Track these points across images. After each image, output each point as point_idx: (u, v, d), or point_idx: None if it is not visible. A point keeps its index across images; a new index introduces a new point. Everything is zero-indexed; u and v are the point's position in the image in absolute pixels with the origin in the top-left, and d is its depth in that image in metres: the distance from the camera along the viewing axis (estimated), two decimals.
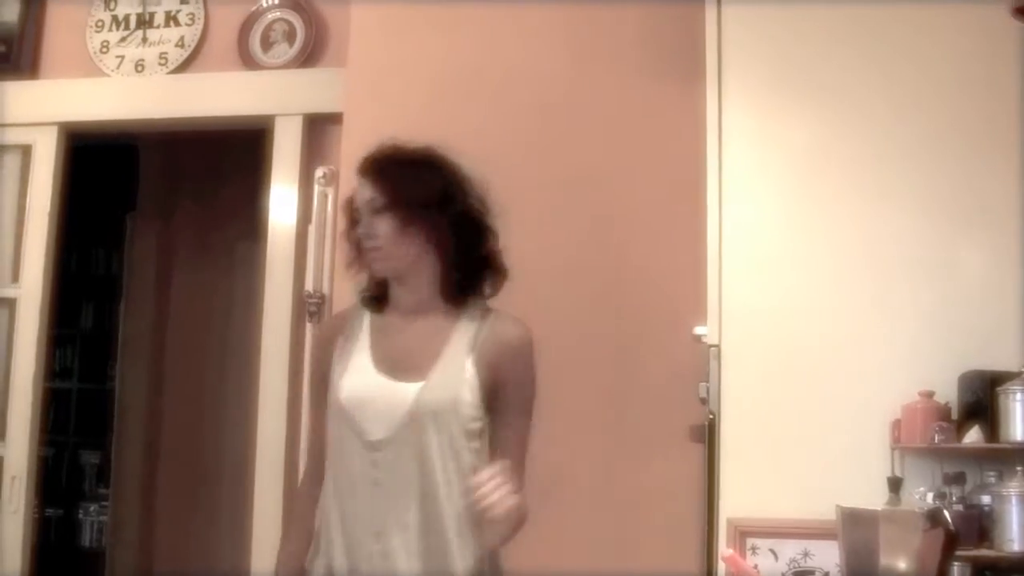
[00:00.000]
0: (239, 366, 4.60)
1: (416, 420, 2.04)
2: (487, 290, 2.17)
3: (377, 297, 2.20)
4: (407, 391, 2.05)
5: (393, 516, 2.03)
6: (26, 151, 4.08)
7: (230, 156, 4.65)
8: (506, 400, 2.11)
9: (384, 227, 2.08)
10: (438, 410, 2.05)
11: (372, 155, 2.19)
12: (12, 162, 4.12)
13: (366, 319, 2.19)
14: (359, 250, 2.14)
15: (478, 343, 2.10)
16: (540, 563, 2.69)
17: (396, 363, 2.09)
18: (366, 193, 2.12)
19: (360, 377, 2.09)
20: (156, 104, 3.95)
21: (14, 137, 4.07)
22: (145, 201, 5.29)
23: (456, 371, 2.08)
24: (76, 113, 4.05)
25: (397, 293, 2.16)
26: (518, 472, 2.07)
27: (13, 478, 3.92)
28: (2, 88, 4.08)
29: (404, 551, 2.02)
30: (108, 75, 4.05)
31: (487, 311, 2.16)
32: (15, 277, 4.03)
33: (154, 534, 5.16)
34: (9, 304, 4.01)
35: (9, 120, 4.06)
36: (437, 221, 2.09)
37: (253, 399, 3.72)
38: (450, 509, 2.03)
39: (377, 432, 2.05)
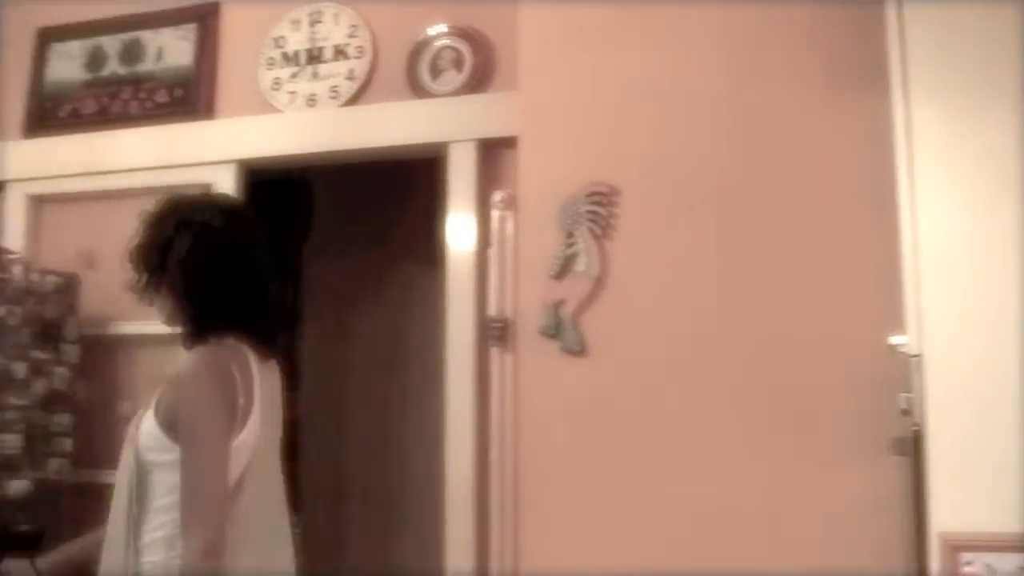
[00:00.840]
0: (420, 392, 4.77)
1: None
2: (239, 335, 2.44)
3: None
4: None
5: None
6: (207, 190, 4.30)
7: (402, 185, 4.83)
8: (180, 428, 2.31)
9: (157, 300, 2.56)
10: (127, 439, 2.43)
11: None
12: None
13: None
14: None
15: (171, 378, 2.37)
16: None
17: None
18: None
19: None
20: (330, 137, 4.12)
21: (195, 176, 4.28)
22: (320, 232, 5.50)
23: (145, 411, 2.40)
24: (252, 150, 4.24)
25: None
26: (188, 507, 2.26)
27: None
28: (181, 130, 4.31)
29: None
30: (281, 111, 4.24)
31: (200, 347, 2.43)
32: None
33: (345, 557, 5.37)
34: None
35: (189, 160, 4.29)
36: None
37: (437, 426, 3.83)
38: (124, 537, 2.35)
39: None
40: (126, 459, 2.42)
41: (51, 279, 4.06)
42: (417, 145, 3.98)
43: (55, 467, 4.03)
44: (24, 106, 4.60)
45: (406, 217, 5.22)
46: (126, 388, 4.33)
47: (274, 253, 4.41)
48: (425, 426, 4.87)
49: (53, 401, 4.02)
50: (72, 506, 4.08)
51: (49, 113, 4.54)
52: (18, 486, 3.86)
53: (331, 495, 5.52)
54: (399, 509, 5.25)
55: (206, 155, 4.27)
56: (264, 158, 4.24)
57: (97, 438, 4.22)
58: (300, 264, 5.55)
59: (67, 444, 4.08)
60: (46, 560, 2.74)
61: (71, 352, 4.11)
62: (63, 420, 4.06)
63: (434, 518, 3.83)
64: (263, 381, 2.43)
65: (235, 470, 2.34)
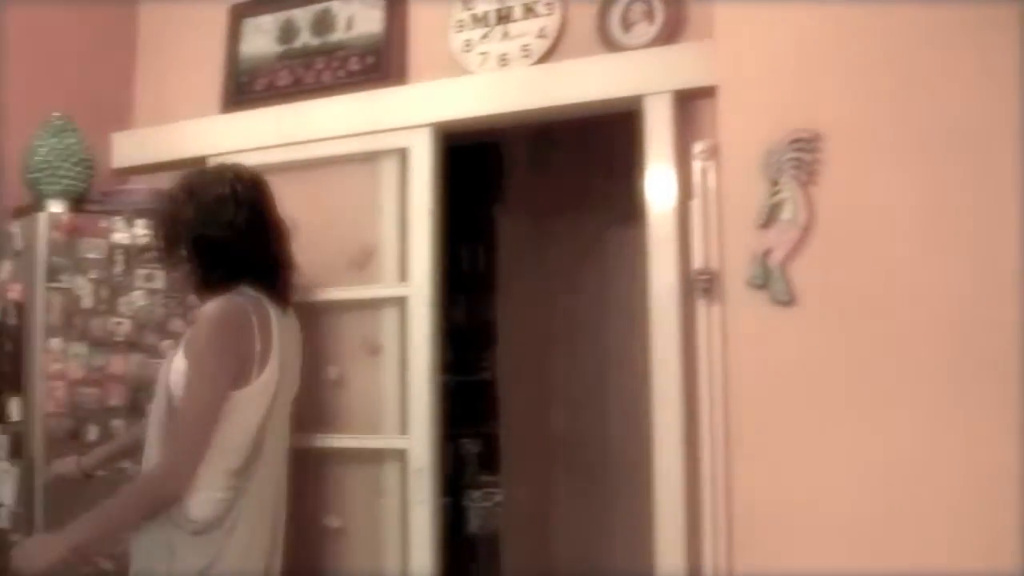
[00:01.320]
0: (623, 352, 4.78)
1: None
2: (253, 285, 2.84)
3: None
4: None
5: None
6: (402, 154, 4.39)
7: (595, 142, 4.83)
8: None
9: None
10: (159, 376, 2.80)
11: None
12: (390, 166, 4.45)
13: None
14: None
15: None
16: None
17: None
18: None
19: None
20: (523, 96, 4.14)
21: (390, 142, 4.39)
22: (512, 194, 5.56)
23: (174, 353, 2.78)
24: (446, 113, 4.30)
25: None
26: (173, 431, 2.62)
27: (418, 470, 4.24)
28: (374, 97, 4.41)
29: None
30: (473, 73, 4.29)
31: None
32: (403, 276, 4.36)
33: (548, 518, 5.45)
34: (400, 303, 4.35)
35: (384, 126, 4.39)
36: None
37: (642, 385, 3.83)
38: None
39: None
40: (158, 397, 2.73)
41: None
42: (611, 100, 3.96)
43: None
44: (220, 82, 4.77)
45: (600, 175, 5.22)
46: (334, 352, 4.48)
47: (466, 216, 4.50)
48: (629, 386, 4.90)
49: None
50: (293, 473, 4.25)
51: (245, 87, 4.70)
52: None
53: (534, 461, 5.58)
54: (605, 472, 5.28)
55: (400, 120, 4.35)
56: (458, 120, 4.29)
57: (305, 402, 4.38)
58: (493, 227, 5.63)
59: None
60: (89, 459, 3.03)
61: None
62: None
63: (641, 483, 3.84)
64: (283, 331, 2.68)
65: (259, 410, 2.65)
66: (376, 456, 4.38)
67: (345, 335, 4.47)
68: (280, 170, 4.58)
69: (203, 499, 2.56)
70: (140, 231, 3.88)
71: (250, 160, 4.55)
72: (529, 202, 5.58)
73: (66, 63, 4.64)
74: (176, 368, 2.71)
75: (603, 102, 3.99)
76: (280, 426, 2.75)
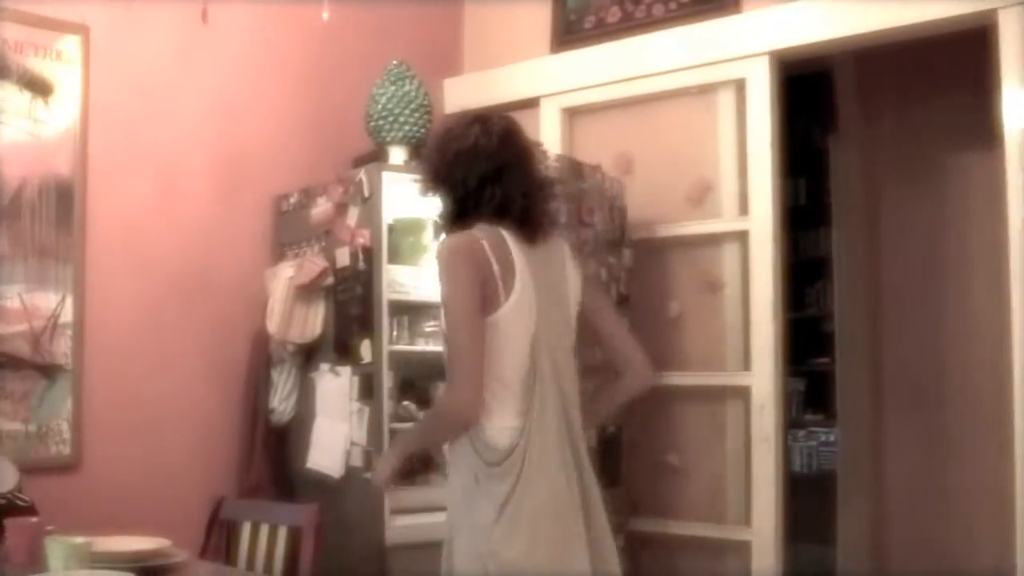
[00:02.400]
0: (959, 284, 4.47)
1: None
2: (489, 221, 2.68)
3: None
4: None
5: None
6: (739, 85, 4.21)
7: (935, 65, 4.50)
8: None
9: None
10: None
11: None
12: (726, 98, 4.28)
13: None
14: None
15: None
16: None
17: None
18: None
19: None
20: (866, 19, 3.88)
21: (725, 73, 4.22)
22: (846, 123, 5.28)
23: None
24: (784, 40, 4.09)
25: None
26: (448, 370, 2.63)
27: (761, 407, 4.10)
28: (709, 27, 4.23)
29: None
30: None
31: None
32: (743, 210, 4.20)
33: (882, 455, 5.21)
34: (741, 237, 4.19)
35: (719, 57, 4.21)
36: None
37: (977, 319, 3.54)
38: None
39: None
40: None
41: (614, 186, 4.16)
42: (961, 16, 3.66)
43: None
44: (550, 22, 4.71)
45: (944, 98, 4.86)
46: (673, 289, 4.37)
47: (796, 147, 4.24)
48: (969, 323, 4.59)
49: (620, 304, 4.12)
50: (630, 409, 4.19)
51: (575, 26, 4.63)
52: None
53: (866, 397, 5.34)
54: (942, 407, 4.97)
55: (736, 50, 4.17)
56: (796, 48, 4.08)
57: (649, 340, 4.29)
58: (824, 158, 5.37)
59: None
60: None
61: (627, 256, 4.20)
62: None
63: (983, 416, 3.57)
64: (532, 262, 2.64)
65: (522, 333, 2.60)
66: (717, 393, 4.27)
67: (684, 272, 4.36)
68: (613, 107, 4.53)
69: (497, 427, 2.57)
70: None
71: (582, 99, 4.53)
72: (861, 131, 5.28)
73: (397, 13, 4.69)
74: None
75: (952, 19, 3.69)
76: (557, 361, 2.64)
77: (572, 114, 4.64)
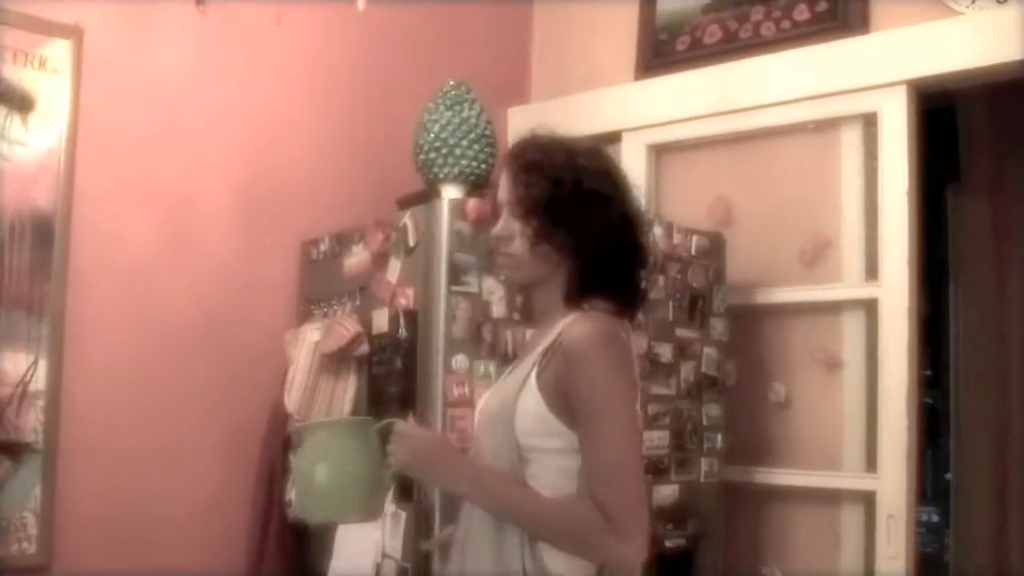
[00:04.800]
0: None
1: (479, 426, 2.08)
2: (616, 302, 1.95)
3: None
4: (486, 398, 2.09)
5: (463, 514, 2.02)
6: (868, 120, 3.32)
7: None
8: (575, 413, 1.85)
9: (522, 232, 1.96)
10: (492, 417, 1.97)
11: (517, 144, 2.03)
12: (851, 135, 3.39)
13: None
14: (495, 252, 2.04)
15: (551, 349, 1.88)
16: None
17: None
18: (502, 189, 2.01)
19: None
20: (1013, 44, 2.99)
21: (853, 105, 3.34)
22: (972, 167, 4.36)
23: (519, 377, 1.92)
24: (926, 67, 3.20)
25: (534, 302, 2.08)
26: (614, 500, 1.78)
27: (889, 517, 3.18)
28: (831, 51, 3.35)
29: (457, 548, 2.00)
30: (962, 13, 3.15)
31: (581, 313, 1.92)
32: (871, 273, 3.29)
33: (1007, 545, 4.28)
34: (868, 306, 3.28)
35: (845, 87, 3.33)
36: (573, 229, 1.92)
37: None
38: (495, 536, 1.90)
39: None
40: (490, 445, 1.96)
41: (696, 240, 3.25)
42: None
43: (705, 467, 3.23)
44: (634, 44, 3.83)
45: None
46: (779, 368, 3.46)
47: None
48: None
49: (701, 388, 3.22)
50: (727, 511, 3.29)
51: (665, 48, 3.75)
52: (666, 492, 3.10)
53: (990, 481, 4.41)
54: None
55: (866, 78, 3.29)
56: (940, 76, 3.20)
57: (747, 429, 3.40)
58: (943, 207, 4.44)
59: (717, 439, 3.26)
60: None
61: (719, 327, 3.28)
62: (712, 411, 3.25)
63: None
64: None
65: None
66: (832, 497, 3.36)
67: (793, 346, 3.45)
68: (709, 144, 3.65)
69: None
70: None
71: (672, 133, 3.67)
72: (991, 176, 4.35)
73: (458, 34, 3.83)
74: (526, 408, 1.90)
75: None
76: None
77: (659, 151, 3.76)
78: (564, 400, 1.85)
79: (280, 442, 3.21)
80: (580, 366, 1.84)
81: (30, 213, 2.94)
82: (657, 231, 3.14)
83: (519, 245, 1.93)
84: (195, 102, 3.25)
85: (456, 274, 2.84)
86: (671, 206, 3.64)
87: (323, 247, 3.32)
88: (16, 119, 2.94)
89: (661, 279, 3.13)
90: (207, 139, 3.26)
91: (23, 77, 2.94)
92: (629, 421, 1.86)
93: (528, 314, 2.17)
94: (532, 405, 1.88)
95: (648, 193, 3.61)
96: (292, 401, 3.10)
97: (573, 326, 1.87)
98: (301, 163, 3.45)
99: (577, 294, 1.94)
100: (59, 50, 3.00)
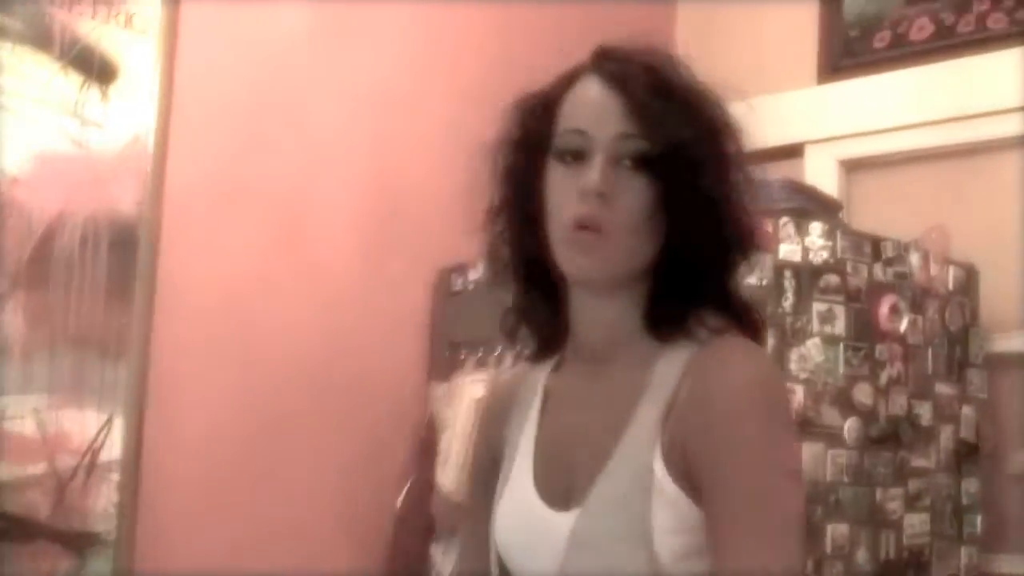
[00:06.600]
0: None
1: (575, 567, 1.06)
2: (741, 321, 1.12)
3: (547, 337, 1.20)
4: (560, 524, 1.08)
5: None
6: None
7: None
8: (723, 484, 1.01)
9: (638, 194, 1.08)
10: (607, 549, 1.05)
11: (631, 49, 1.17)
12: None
13: (540, 382, 1.22)
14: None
15: (675, 409, 1.05)
16: None
17: (558, 470, 1.12)
18: (614, 122, 1.10)
19: (515, 502, 1.16)
20: None
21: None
22: None
23: (635, 474, 1.04)
24: None
25: (584, 322, 1.15)
26: None
27: None
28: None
29: None
30: None
31: (703, 347, 1.08)
32: None
33: None
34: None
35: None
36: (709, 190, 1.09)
37: None
38: None
39: None
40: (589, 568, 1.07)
41: (954, 273, 2.48)
42: None
43: (965, 558, 2.43)
44: (817, 42, 3.07)
45: None
46: (1020, 433, 2.68)
47: None
48: None
49: (960, 458, 2.43)
50: None
51: (857, 45, 3.00)
52: None
53: None
54: None
55: None
56: None
57: (1009, 508, 2.62)
58: None
59: (976, 522, 2.47)
60: None
61: (976, 381, 2.51)
62: (971, 486, 2.46)
63: None
64: None
65: None
66: None
67: None
68: (916, 159, 2.90)
69: None
70: (815, 241, 2.20)
71: (867, 147, 2.91)
72: None
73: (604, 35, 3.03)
74: (665, 524, 1.04)
75: None
76: None
77: (852, 167, 2.99)
78: (699, 477, 1.04)
79: (421, 528, 2.36)
80: (749, 421, 1.04)
81: (107, 219, 2.10)
82: (913, 259, 2.37)
83: (625, 211, 1.08)
84: (318, 83, 2.41)
85: None
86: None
87: (472, 275, 2.49)
88: (94, 91, 2.09)
89: (919, 320, 2.35)
90: (333, 131, 2.42)
91: (104, 37, 2.11)
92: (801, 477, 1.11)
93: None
94: (676, 519, 1.05)
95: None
96: (448, 475, 2.24)
97: (714, 363, 1.07)
98: (438, 170, 2.62)
99: (684, 310, 1.12)
100: (150, 6, 2.16)
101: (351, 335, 2.43)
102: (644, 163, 1.08)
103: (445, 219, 2.59)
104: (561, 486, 1.11)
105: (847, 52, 3.00)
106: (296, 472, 2.31)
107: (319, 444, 2.35)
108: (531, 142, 1.16)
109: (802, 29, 3.09)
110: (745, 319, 1.13)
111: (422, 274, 2.55)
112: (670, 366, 1.09)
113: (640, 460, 1.05)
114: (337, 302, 2.41)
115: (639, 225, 1.08)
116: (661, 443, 1.05)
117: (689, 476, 1.04)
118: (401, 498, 2.40)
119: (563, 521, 1.08)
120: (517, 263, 1.19)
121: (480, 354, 2.38)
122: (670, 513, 1.04)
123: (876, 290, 2.29)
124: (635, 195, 1.08)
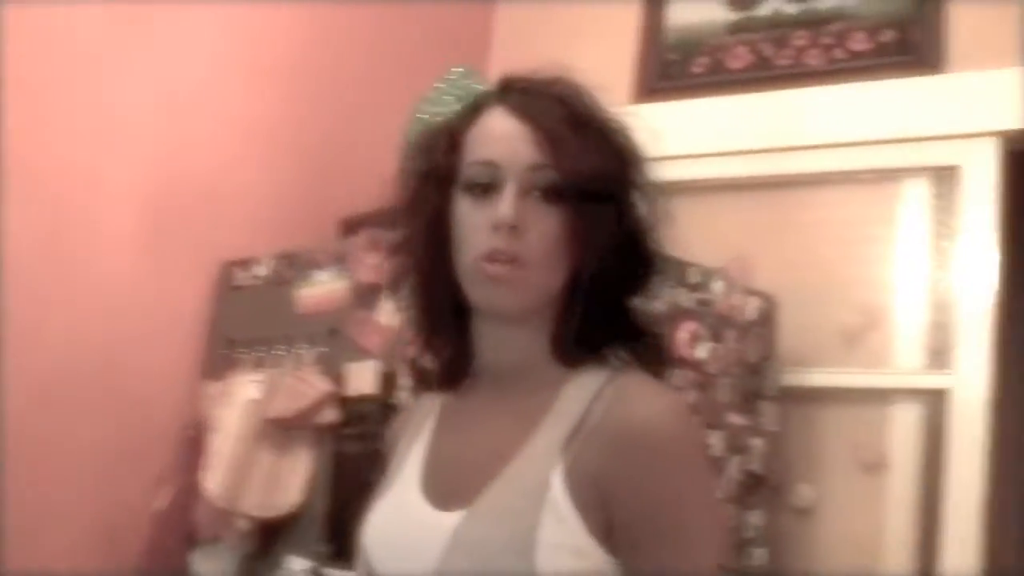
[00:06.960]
0: None
1: (453, 568, 1.02)
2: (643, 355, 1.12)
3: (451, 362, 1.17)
4: (443, 523, 1.04)
5: None
6: (942, 176, 2.64)
7: None
8: (641, 532, 1.01)
9: (550, 225, 1.07)
10: (488, 553, 1.01)
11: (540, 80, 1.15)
12: (916, 192, 2.70)
13: (439, 403, 1.21)
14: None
15: (582, 432, 1.04)
16: None
17: (448, 476, 1.11)
18: (524, 153, 1.08)
19: (394, 503, 1.14)
20: None
21: (924, 157, 2.66)
22: None
23: (530, 485, 1.02)
24: (1016, 119, 2.55)
25: (491, 349, 1.14)
26: None
27: None
28: (897, 90, 2.66)
29: None
30: None
31: (615, 374, 1.08)
32: (936, 361, 2.59)
33: None
34: (930, 398, 2.57)
35: (913, 134, 2.64)
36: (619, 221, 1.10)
37: None
38: None
39: None
40: None
41: (756, 303, 2.45)
42: None
43: None
44: (634, 62, 3.02)
45: None
46: (803, 465, 2.68)
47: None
48: None
49: (747, 489, 2.40)
50: None
51: (675, 70, 2.97)
52: None
53: None
54: None
55: (942, 126, 2.60)
56: None
57: (792, 542, 2.60)
58: None
59: (759, 555, 2.44)
60: None
61: (768, 413, 2.48)
62: (755, 519, 2.43)
63: None
64: None
65: None
66: None
67: (826, 440, 2.68)
68: (728, 188, 2.89)
69: None
70: None
71: (680, 171, 2.83)
72: None
73: (416, 36, 2.91)
74: (553, 540, 1.01)
75: None
76: None
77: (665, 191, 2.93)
78: (615, 516, 1.03)
79: (180, 539, 2.17)
80: (669, 465, 1.03)
81: None
82: (717, 287, 2.33)
83: (537, 242, 1.07)
84: (112, 70, 2.20)
85: None
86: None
87: (259, 271, 2.31)
88: None
89: (718, 348, 2.31)
90: (112, 113, 2.21)
91: None
92: (716, 529, 1.09)
93: (431, 375, 1.22)
94: (564, 535, 1.02)
95: None
96: (215, 481, 2.06)
97: (633, 394, 1.06)
98: (231, 164, 2.43)
99: (591, 337, 1.11)
100: None
101: (123, 324, 2.21)
102: (555, 194, 1.07)
103: (235, 213, 2.42)
104: (449, 488, 1.08)
105: (664, 75, 2.96)
106: (48, 468, 2.08)
107: (75, 438, 2.12)
108: (437, 174, 1.13)
109: (621, 48, 3.03)
110: (650, 345, 1.14)
111: (205, 267, 2.36)
112: (579, 390, 1.07)
113: (537, 472, 1.03)
114: (111, 291, 2.19)
115: (551, 255, 1.08)
116: (564, 461, 1.03)
117: (593, 505, 1.01)
118: (161, 499, 2.20)
119: (446, 520, 1.04)
120: (423, 293, 1.16)
121: (258, 353, 2.21)
122: (559, 529, 1.01)
123: (677, 315, 2.23)
124: (546, 226, 1.07)
